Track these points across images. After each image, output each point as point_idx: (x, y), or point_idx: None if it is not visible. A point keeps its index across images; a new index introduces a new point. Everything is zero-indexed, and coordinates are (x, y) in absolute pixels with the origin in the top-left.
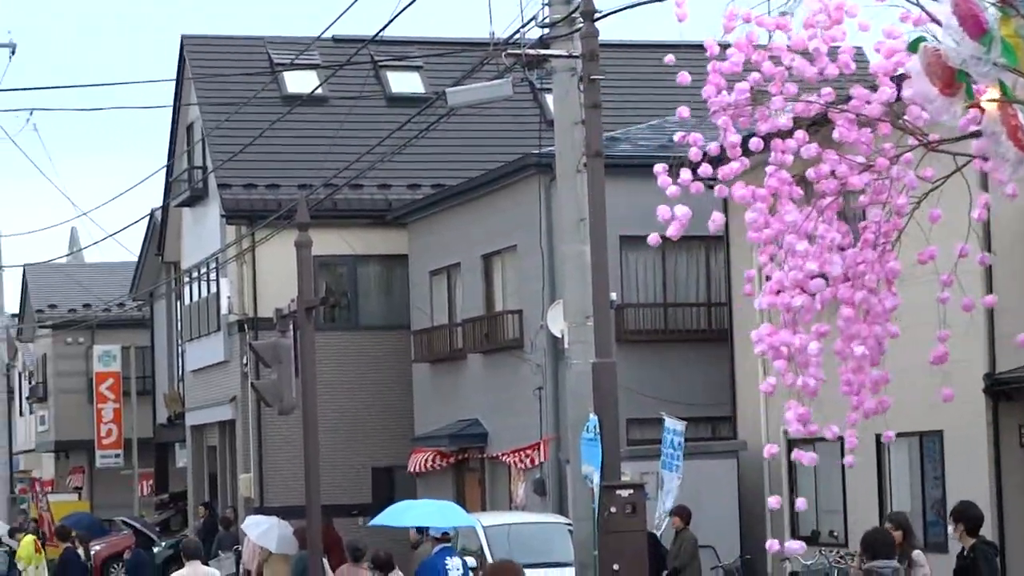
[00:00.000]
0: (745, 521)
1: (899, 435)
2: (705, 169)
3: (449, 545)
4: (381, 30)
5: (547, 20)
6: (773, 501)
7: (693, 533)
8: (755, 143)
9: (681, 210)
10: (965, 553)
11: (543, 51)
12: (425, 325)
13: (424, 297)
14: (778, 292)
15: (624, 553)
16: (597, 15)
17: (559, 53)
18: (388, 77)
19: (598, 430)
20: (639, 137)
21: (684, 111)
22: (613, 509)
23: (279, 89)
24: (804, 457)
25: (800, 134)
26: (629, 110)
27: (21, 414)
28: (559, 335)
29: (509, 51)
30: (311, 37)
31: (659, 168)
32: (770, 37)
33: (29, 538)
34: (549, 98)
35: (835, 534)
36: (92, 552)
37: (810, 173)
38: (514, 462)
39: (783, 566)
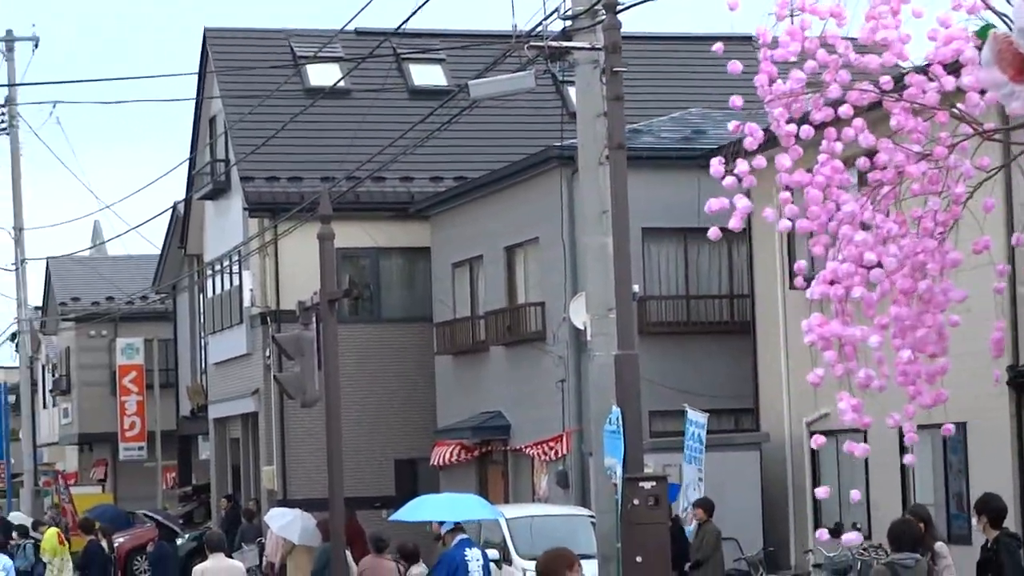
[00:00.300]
0: (768, 513)
1: (921, 427)
2: (759, 161)
3: (467, 536)
4: (404, 23)
5: (569, 12)
6: (822, 491)
7: (716, 525)
8: (806, 131)
9: (742, 202)
10: (988, 545)
11: (565, 43)
12: (447, 317)
13: (446, 290)
14: (832, 282)
15: (647, 546)
16: (619, 7)
17: (581, 45)
18: (411, 70)
19: (620, 422)
20: (661, 129)
21: (737, 100)
22: (636, 501)
23: (302, 82)
24: (857, 449)
25: (859, 122)
26: (651, 103)
27: (44, 407)
28: (581, 327)
29: (531, 43)
30: (334, 30)
31: (715, 160)
32: (824, 26)
33: (52, 530)
34: (571, 90)
35: (858, 526)
36: (115, 544)
37: (863, 162)
38: (537, 454)
39: (806, 558)
